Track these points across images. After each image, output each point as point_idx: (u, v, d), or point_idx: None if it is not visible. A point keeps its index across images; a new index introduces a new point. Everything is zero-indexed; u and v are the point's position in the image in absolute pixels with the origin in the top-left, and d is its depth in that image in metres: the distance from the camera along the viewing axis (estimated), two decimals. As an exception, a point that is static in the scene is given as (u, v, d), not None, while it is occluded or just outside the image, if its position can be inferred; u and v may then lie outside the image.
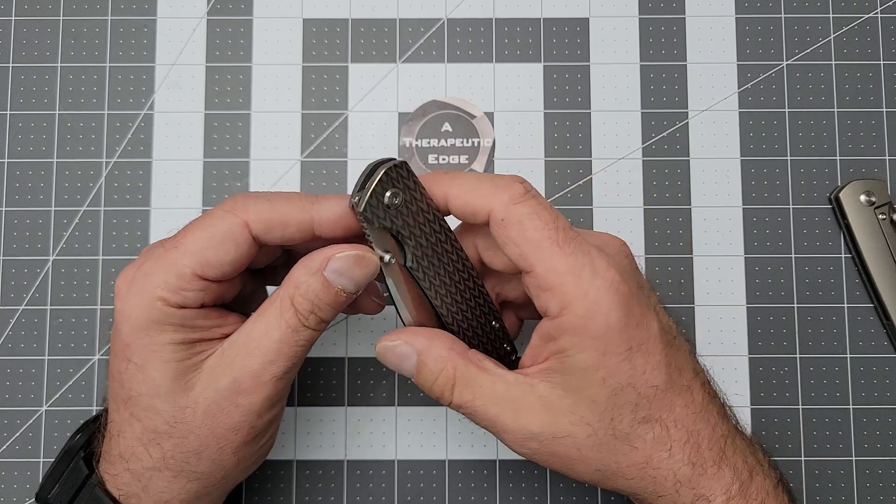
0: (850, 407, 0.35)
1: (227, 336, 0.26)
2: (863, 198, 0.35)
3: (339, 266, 0.25)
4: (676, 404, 0.25)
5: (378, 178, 0.25)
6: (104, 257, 0.36)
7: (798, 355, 0.36)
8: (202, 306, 0.26)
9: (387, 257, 0.26)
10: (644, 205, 0.36)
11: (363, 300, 0.30)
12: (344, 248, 0.26)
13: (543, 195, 0.29)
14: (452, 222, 0.27)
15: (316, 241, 0.27)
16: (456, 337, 0.27)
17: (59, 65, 0.37)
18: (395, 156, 0.37)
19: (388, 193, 0.25)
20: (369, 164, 0.26)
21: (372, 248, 0.26)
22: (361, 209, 0.25)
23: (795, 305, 0.36)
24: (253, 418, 0.25)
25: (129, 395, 0.26)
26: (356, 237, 0.27)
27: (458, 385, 0.26)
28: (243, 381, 0.25)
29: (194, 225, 0.26)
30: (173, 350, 0.25)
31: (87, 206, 0.36)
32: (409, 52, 0.38)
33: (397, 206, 0.25)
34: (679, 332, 0.27)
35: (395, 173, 0.25)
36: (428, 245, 0.26)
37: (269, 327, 0.25)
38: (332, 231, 0.26)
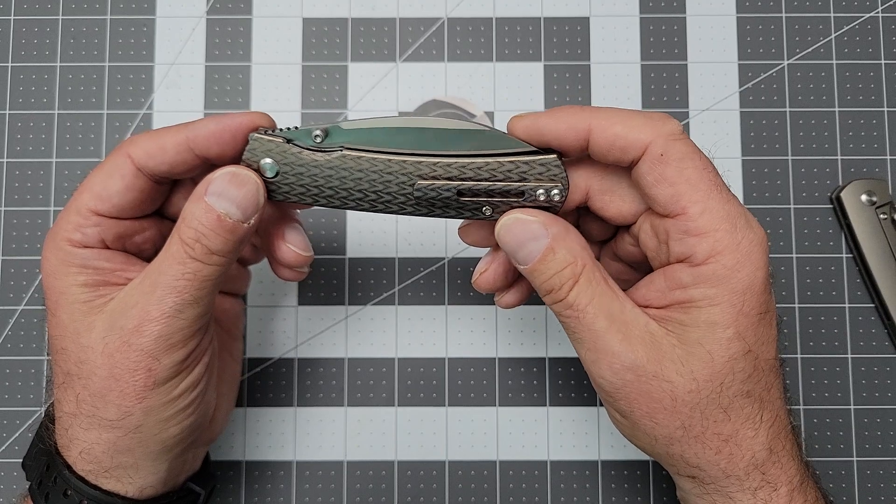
0: (851, 407, 0.35)
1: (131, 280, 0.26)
2: (864, 197, 0.35)
3: (216, 187, 0.25)
4: (773, 385, 0.25)
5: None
6: (104, 257, 0.36)
7: (799, 355, 0.36)
8: (106, 247, 0.26)
9: (269, 167, 0.25)
10: (644, 204, 0.36)
11: (279, 247, 0.28)
12: (221, 169, 0.25)
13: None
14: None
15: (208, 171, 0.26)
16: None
17: (58, 64, 0.37)
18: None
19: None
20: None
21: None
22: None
23: (796, 305, 0.36)
24: (147, 359, 0.25)
25: (49, 340, 0.26)
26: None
27: (580, 283, 0.24)
28: (133, 318, 0.25)
29: (94, 169, 0.27)
30: (79, 291, 0.26)
31: (87, 206, 0.36)
32: (409, 52, 0.37)
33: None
34: None
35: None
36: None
37: (160, 262, 0.25)
38: (209, 148, 0.25)
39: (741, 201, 0.36)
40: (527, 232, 0.25)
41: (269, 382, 0.35)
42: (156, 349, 0.25)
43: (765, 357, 0.24)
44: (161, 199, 0.28)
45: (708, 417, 0.24)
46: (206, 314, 0.26)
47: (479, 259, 0.36)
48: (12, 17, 0.37)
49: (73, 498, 0.26)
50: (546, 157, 0.25)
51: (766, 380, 0.24)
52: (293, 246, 0.28)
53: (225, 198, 0.25)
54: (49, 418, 0.28)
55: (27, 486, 0.28)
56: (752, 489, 0.24)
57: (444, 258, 0.36)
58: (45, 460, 0.27)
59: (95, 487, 0.26)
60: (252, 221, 0.25)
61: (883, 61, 0.37)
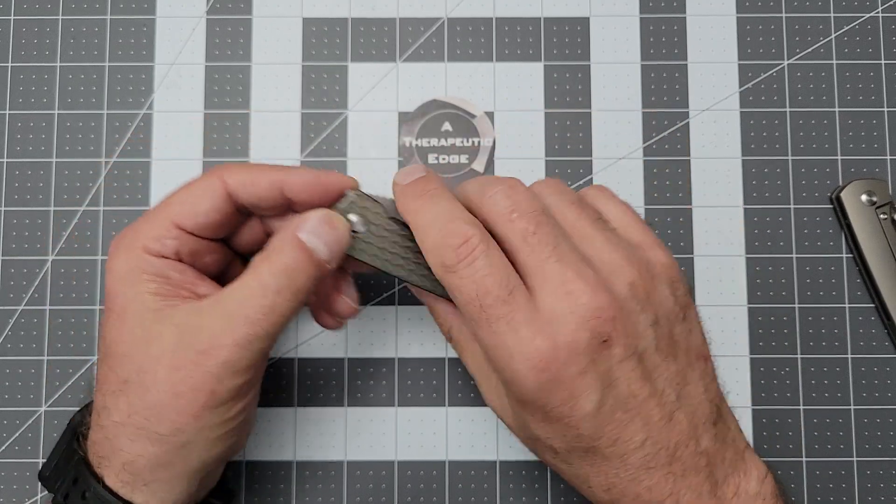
0: (851, 407, 0.35)
1: (200, 296, 0.27)
2: (864, 197, 0.35)
3: (310, 226, 0.26)
4: (598, 464, 0.25)
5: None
6: (103, 257, 0.36)
7: (799, 355, 0.36)
8: (180, 261, 0.27)
9: (358, 223, 0.27)
10: (645, 204, 0.36)
11: (335, 299, 0.30)
12: (315, 210, 0.27)
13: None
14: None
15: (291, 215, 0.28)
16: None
17: (58, 64, 0.37)
18: (398, 156, 0.37)
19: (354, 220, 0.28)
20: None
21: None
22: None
23: (796, 305, 0.36)
24: (213, 381, 0.25)
25: (107, 345, 0.26)
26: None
27: (454, 341, 0.29)
28: (205, 341, 0.25)
29: (181, 187, 0.28)
30: (150, 299, 0.26)
31: (87, 206, 0.36)
32: (409, 52, 0.37)
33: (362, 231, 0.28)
34: (673, 384, 0.25)
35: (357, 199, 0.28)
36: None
37: (239, 291, 0.26)
38: (299, 195, 0.27)
39: (741, 201, 0.36)
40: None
41: (270, 382, 0.35)
42: (221, 374, 0.25)
43: (575, 445, 0.25)
44: (235, 228, 0.29)
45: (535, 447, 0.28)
46: (272, 346, 0.26)
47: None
48: (12, 17, 0.37)
49: None
50: None
51: (587, 459, 0.25)
52: (349, 299, 0.29)
53: (316, 236, 0.26)
54: (77, 427, 0.28)
55: (51, 499, 0.28)
56: None
57: (444, 258, 0.36)
58: (72, 474, 0.27)
59: (125, 501, 0.26)
60: (334, 265, 0.26)
61: (883, 61, 0.37)
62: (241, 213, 0.28)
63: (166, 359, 0.25)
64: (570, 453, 0.25)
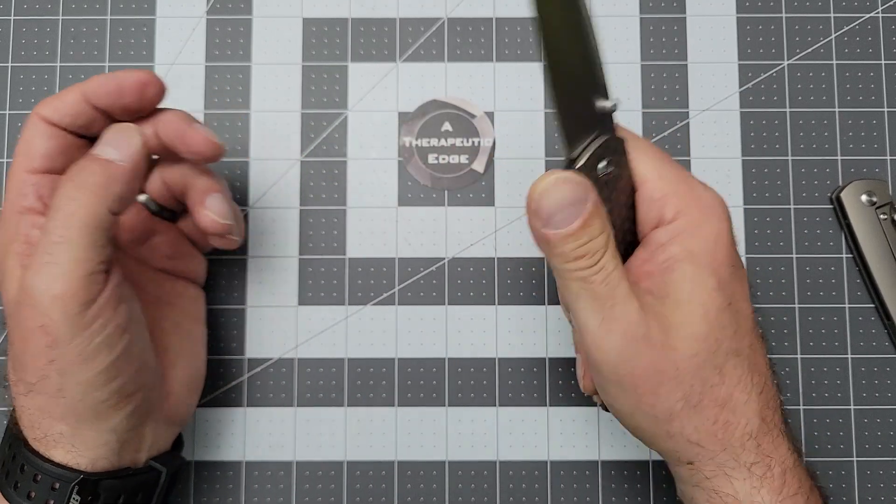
0: (851, 407, 0.35)
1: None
2: (864, 198, 0.35)
3: (101, 139, 0.27)
4: (757, 348, 0.26)
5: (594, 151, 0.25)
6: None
7: (799, 355, 0.36)
8: (45, 205, 0.27)
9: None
10: (644, 205, 0.36)
11: (198, 213, 0.30)
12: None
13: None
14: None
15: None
16: None
17: (58, 64, 0.37)
18: (398, 156, 0.37)
19: (601, 164, 0.25)
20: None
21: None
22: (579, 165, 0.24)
23: (796, 305, 0.36)
24: (40, 316, 0.25)
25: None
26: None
27: (610, 249, 0.24)
28: (28, 278, 0.25)
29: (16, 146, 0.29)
30: (14, 261, 0.27)
31: (87, 206, 0.36)
32: (409, 52, 0.37)
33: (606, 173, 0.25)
34: None
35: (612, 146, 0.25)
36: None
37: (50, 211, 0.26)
38: (100, 99, 0.28)
39: (741, 201, 0.36)
40: (572, 193, 0.24)
41: (269, 382, 0.35)
42: (45, 305, 0.25)
43: (744, 314, 0.25)
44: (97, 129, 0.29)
45: (706, 382, 0.24)
46: (87, 259, 0.25)
47: (479, 260, 0.36)
48: (12, 17, 0.37)
49: (29, 472, 0.26)
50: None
51: (750, 339, 0.25)
52: (211, 212, 0.29)
53: (105, 145, 0.27)
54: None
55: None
56: (747, 464, 0.25)
57: (444, 258, 0.36)
58: (9, 443, 0.28)
59: (47, 460, 0.26)
60: (128, 163, 0.26)
61: (883, 61, 0.37)
62: (77, 135, 0.28)
63: (11, 307, 0.26)
64: (741, 333, 0.25)
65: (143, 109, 0.28)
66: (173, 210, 0.32)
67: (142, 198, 0.32)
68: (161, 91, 0.28)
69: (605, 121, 0.25)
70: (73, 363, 0.25)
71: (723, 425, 0.25)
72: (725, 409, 0.25)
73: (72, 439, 0.26)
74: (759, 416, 0.25)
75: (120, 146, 0.27)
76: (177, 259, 0.32)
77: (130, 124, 0.28)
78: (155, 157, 0.31)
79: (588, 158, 0.24)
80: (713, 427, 0.25)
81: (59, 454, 0.26)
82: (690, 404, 0.24)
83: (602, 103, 0.25)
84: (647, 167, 0.26)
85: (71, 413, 0.26)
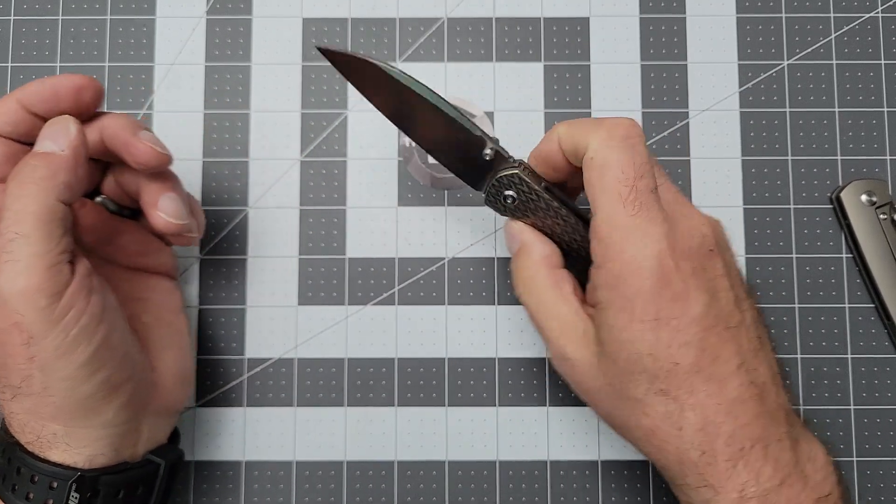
0: (851, 407, 0.35)
1: None
2: (864, 198, 0.35)
3: (41, 135, 0.27)
4: (700, 389, 0.25)
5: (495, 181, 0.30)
6: (103, 257, 0.36)
7: (799, 355, 0.36)
8: None
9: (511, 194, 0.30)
10: (644, 205, 0.36)
11: (150, 213, 0.29)
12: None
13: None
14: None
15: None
16: (558, 249, 0.30)
17: (58, 64, 0.37)
18: (398, 156, 0.37)
19: (507, 193, 0.30)
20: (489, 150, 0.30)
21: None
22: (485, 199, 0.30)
23: (796, 305, 0.36)
24: (10, 313, 0.25)
25: None
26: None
27: (539, 281, 0.29)
28: None
29: None
30: None
31: (87, 206, 0.36)
32: (409, 52, 0.38)
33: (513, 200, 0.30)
34: (756, 327, 0.27)
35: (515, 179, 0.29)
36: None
37: None
38: (35, 105, 0.28)
39: (741, 201, 0.36)
40: (509, 234, 0.31)
41: (269, 382, 0.35)
42: (10, 301, 0.24)
43: (671, 360, 0.25)
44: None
45: (627, 411, 0.27)
46: (46, 252, 0.25)
47: (479, 260, 0.36)
48: (12, 18, 0.37)
49: (25, 474, 0.26)
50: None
51: (682, 381, 0.25)
52: (164, 214, 0.29)
53: (44, 139, 0.27)
54: None
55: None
56: (693, 486, 0.26)
57: (444, 258, 0.36)
58: (2, 448, 0.28)
59: (43, 461, 0.26)
60: (68, 151, 0.26)
61: (883, 61, 0.37)
62: (22, 143, 0.28)
63: None
64: (672, 378, 0.25)
65: (82, 114, 0.28)
66: (133, 208, 0.32)
67: (99, 199, 0.31)
68: (98, 95, 0.28)
69: (495, 161, 0.29)
70: (53, 358, 0.25)
71: (656, 449, 0.26)
72: (654, 437, 0.26)
73: (66, 438, 0.26)
74: (696, 449, 0.25)
75: (57, 137, 0.27)
76: (146, 255, 0.32)
77: (65, 115, 0.27)
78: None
79: (491, 195, 0.30)
80: (647, 448, 0.27)
81: (56, 454, 0.26)
82: (619, 423, 0.28)
83: (485, 152, 0.29)
84: (600, 202, 0.26)
85: (61, 411, 0.26)
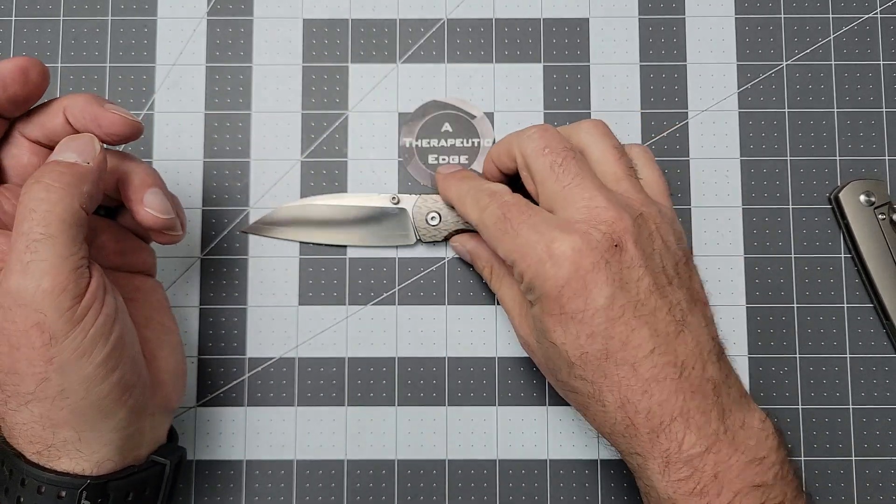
0: (850, 407, 0.35)
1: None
2: (862, 198, 0.35)
3: (57, 149, 0.28)
4: (612, 373, 0.27)
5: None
6: (104, 257, 0.36)
7: (798, 355, 0.36)
8: None
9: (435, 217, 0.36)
10: (644, 205, 0.36)
11: (137, 209, 0.29)
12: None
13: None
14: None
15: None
16: None
17: (59, 65, 0.37)
18: (398, 156, 0.37)
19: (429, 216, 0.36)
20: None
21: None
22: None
23: (795, 305, 0.36)
24: (32, 313, 0.25)
25: None
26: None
27: (493, 278, 0.34)
28: (6, 281, 0.25)
29: None
30: None
31: (88, 207, 0.36)
32: (409, 53, 0.38)
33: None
34: (681, 308, 0.28)
35: None
36: None
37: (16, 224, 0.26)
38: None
39: (740, 202, 0.37)
40: (457, 249, 0.36)
41: (270, 382, 0.36)
42: (34, 301, 0.24)
43: (580, 349, 0.27)
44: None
45: (563, 390, 0.30)
46: (70, 255, 0.25)
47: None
48: (13, 18, 0.37)
49: (31, 485, 0.26)
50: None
51: (594, 367, 0.27)
52: (151, 209, 0.29)
53: (65, 150, 0.27)
54: None
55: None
56: (627, 452, 0.28)
57: (444, 258, 0.36)
58: (1, 461, 0.27)
59: (49, 470, 0.26)
60: (93, 163, 0.27)
61: (882, 62, 0.37)
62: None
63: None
64: (586, 364, 0.27)
65: (31, 96, 0.28)
66: (109, 207, 0.32)
67: None
68: (44, 74, 0.28)
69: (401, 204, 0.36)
70: (72, 359, 0.25)
71: (592, 418, 0.29)
72: (587, 411, 0.29)
73: (77, 444, 0.26)
74: (621, 422, 0.27)
75: (81, 150, 0.27)
76: (127, 254, 0.32)
77: (88, 133, 0.28)
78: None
79: (421, 231, 0.36)
80: (590, 422, 0.30)
81: (64, 463, 0.26)
82: (567, 396, 0.31)
83: (392, 201, 0.36)
84: (494, 244, 0.30)
85: (74, 414, 0.26)
